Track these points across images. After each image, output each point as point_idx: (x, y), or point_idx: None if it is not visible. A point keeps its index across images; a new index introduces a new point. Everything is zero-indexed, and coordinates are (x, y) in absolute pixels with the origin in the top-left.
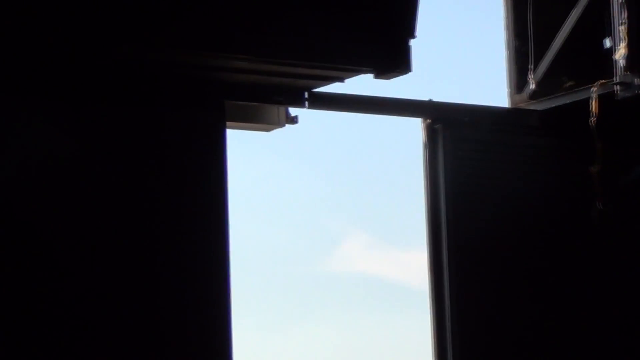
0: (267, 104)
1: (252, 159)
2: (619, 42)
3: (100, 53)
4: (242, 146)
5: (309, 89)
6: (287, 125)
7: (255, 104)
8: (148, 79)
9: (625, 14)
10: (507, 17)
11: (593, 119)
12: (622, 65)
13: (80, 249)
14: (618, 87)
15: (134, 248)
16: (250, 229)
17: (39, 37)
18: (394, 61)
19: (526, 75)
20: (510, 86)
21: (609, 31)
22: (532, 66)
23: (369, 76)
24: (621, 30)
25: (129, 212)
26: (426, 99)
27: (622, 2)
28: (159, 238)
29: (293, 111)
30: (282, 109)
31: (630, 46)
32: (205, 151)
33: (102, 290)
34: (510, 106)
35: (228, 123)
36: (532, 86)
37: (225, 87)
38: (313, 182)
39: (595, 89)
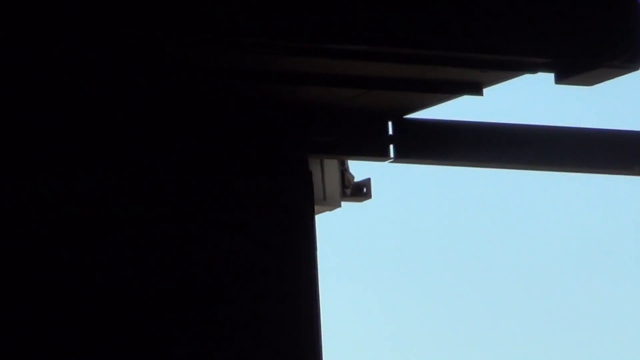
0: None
1: None
2: None
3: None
4: None
5: (397, 115)
6: (343, 205)
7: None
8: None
9: None
10: None
11: None
12: None
13: (160, 324)
14: None
15: (207, 339)
16: None
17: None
18: (606, 42)
19: None
20: None
21: None
22: None
23: (538, 82)
24: None
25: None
26: None
27: None
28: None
29: (358, 170)
30: (332, 165)
31: None
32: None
33: None
34: None
35: None
36: None
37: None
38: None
39: None
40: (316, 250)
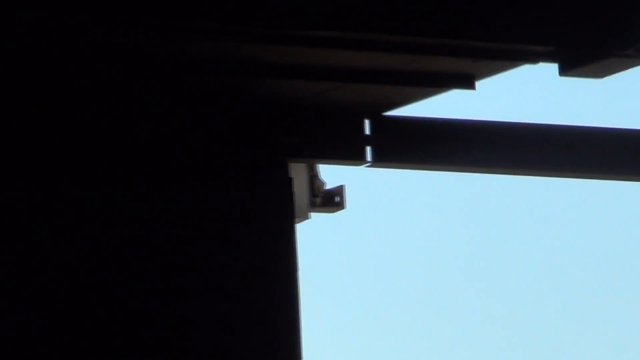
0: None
1: None
2: None
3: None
4: None
5: (376, 112)
6: (312, 216)
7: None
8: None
9: None
10: None
11: None
12: None
13: (132, 329)
14: None
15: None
16: None
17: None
18: (618, 28)
19: None
20: None
21: None
22: None
23: (539, 74)
24: None
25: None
26: None
27: None
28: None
29: (330, 176)
30: (299, 170)
31: None
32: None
33: None
34: None
35: None
36: None
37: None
38: None
39: None
40: (297, 268)
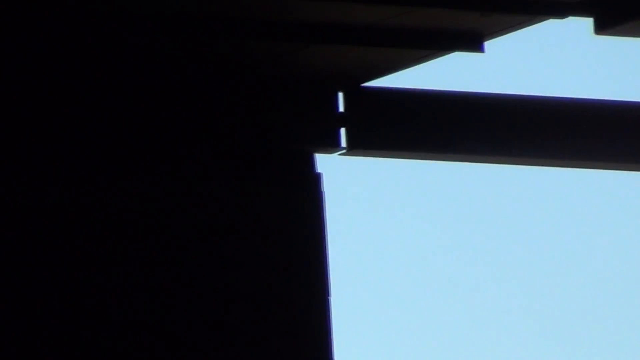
0: None
1: None
2: None
3: None
4: None
5: (352, 83)
6: None
7: None
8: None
9: None
10: None
11: None
12: None
13: (162, 327)
14: None
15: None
16: None
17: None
18: None
19: None
20: None
21: None
22: None
23: (568, 32)
24: None
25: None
26: None
27: None
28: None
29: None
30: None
31: None
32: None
33: None
34: None
35: None
36: None
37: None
38: None
39: None
40: (329, 294)
